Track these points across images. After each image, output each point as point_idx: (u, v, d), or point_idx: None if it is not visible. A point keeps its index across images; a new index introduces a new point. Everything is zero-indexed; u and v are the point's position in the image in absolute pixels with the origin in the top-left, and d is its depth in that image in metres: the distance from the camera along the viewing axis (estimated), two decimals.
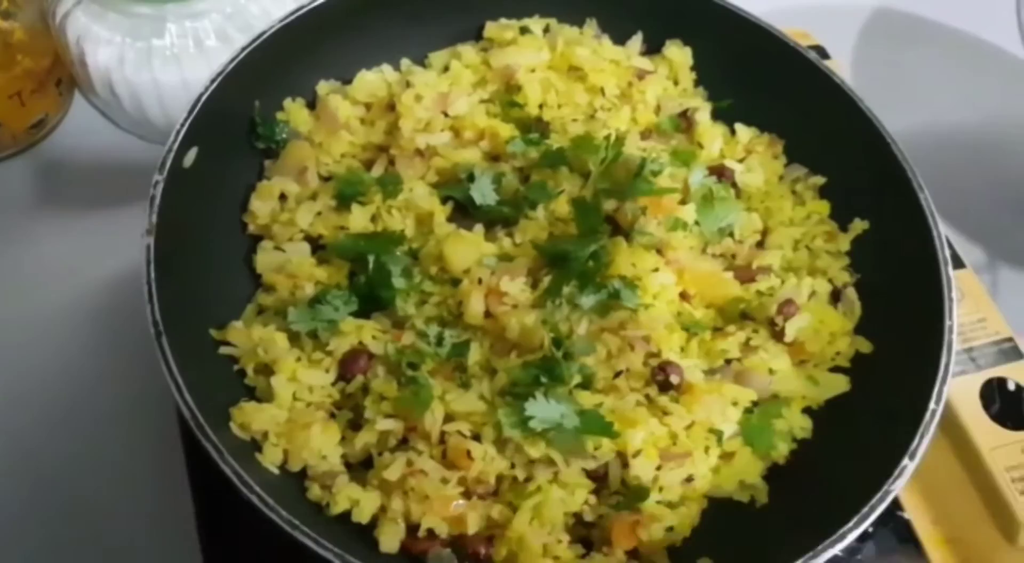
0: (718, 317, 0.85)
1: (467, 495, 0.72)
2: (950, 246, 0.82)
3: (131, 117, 1.08)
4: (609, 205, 0.85)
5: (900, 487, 0.69)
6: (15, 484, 0.89)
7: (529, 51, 0.94)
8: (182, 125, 0.78)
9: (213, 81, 0.81)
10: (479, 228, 0.84)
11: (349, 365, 0.77)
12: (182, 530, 0.80)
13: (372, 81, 0.93)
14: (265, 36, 0.84)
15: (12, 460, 0.90)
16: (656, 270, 0.82)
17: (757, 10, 0.95)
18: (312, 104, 0.92)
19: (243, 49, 0.83)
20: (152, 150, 1.10)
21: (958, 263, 0.85)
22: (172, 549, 0.83)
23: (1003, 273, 1.12)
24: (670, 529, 0.74)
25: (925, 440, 0.72)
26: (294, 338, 0.78)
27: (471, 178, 0.86)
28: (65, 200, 1.08)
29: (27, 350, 0.96)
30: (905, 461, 0.70)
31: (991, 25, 1.34)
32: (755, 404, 0.80)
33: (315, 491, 0.73)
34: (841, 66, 0.97)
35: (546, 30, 0.98)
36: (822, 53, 1.12)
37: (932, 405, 0.73)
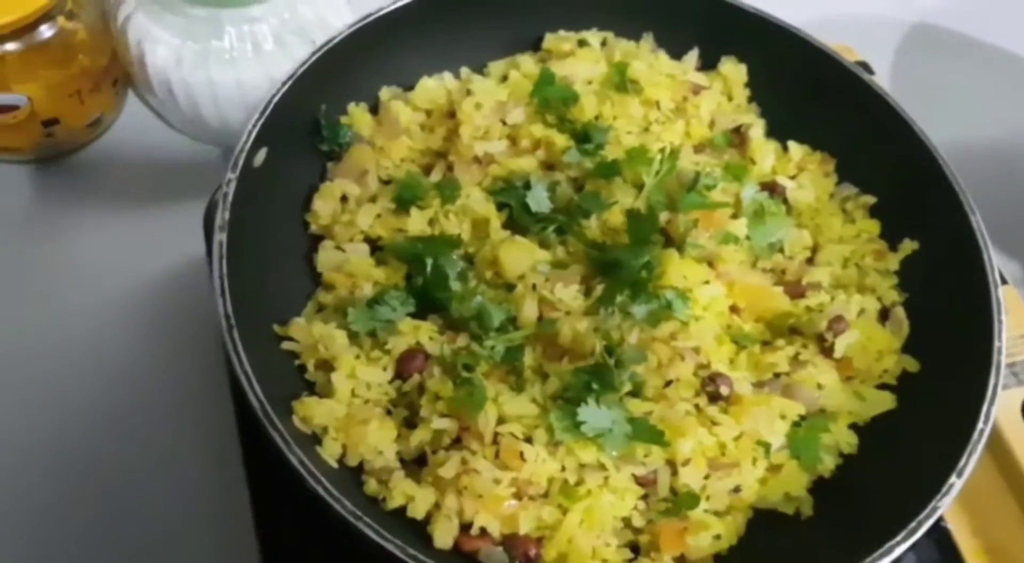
0: (767, 331, 0.86)
1: (519, 496, 0.73)
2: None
3: (186, 117, 1.10)
4: (662, 217, 0.87)
5: (948, 504, 0.70)
6: (64, 482, 0.91)
7: (586, 63, 0.96)
8: (254, 125, 0.80)
9: (284, 84, 0.83)
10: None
11: (406, 364, 0.78)
12: (238, 525, 0.82)
13: (433, 88, 0.95)
14: (333, 43, 0.86)
15: (61, 457, 0.92)
16: (707, 282, 0.83)
17: (796, 24, 0.96)
18: (375, 109, 0.95)
19: (312, 54, 0.85)
20: (204, 150, 1.14)
21: (1000, 280, 0.86)
22: (229, 543, 0.85)
23: None
24: (717, 537, 0.75)
25: (973, 459, 0.73)
26: (353, 336, 0.79)
27: (527, 186, 0.88)
28: (119, 198, 1.10)
29: (77, 346, 0.98)
30: (953, 479, 0.71)
31: None
32: (802, 418, 0.81)
33: (372, 485, 0.74)
34: (879, 79, 0.99)
35: (603, 43, 0.99)
36: (867, 68, 1.13)
37: (980, 425, 0.74)
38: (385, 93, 0.95)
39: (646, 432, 0.75)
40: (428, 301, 0.82)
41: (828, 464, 0.80)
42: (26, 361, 0.97)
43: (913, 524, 0.69)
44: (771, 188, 0.92)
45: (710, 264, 0.85)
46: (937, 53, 1.38)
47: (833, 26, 1.09)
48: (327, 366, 0.78)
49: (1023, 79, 1.36)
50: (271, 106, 0.81)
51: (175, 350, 0.98)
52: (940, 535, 0.85)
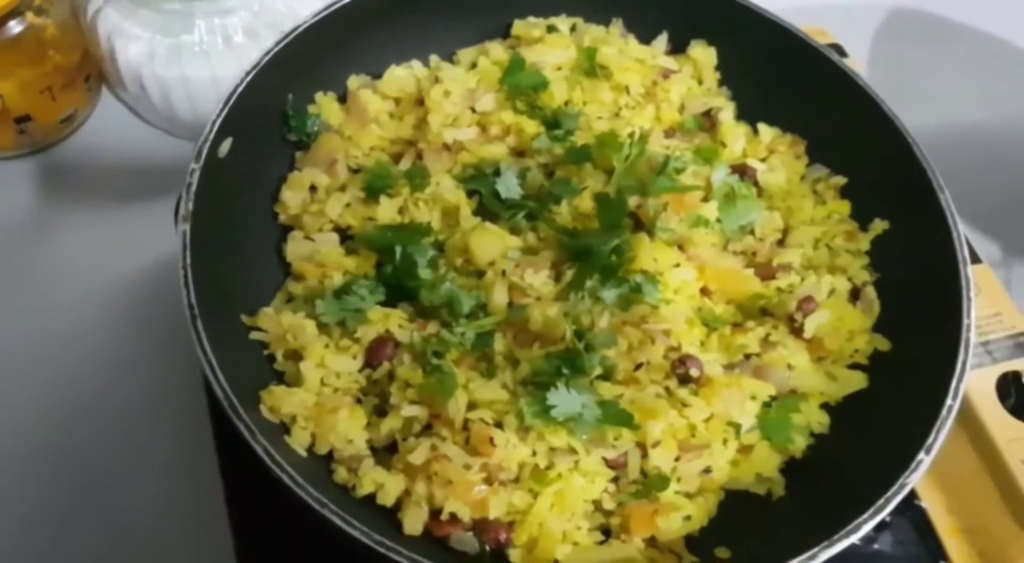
0: (738, 313, 0.86)
1: (489, 481, 0.73)
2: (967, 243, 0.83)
3: (159, 112, 1.10)
4: (632, 201, 0.87)
5: (916, 480, 0.71)
6: (39, 475, 0.91)
7: (556, 49, 0.95)
8: (218, 116, 0.80)
9: (248, 74, 0.83)
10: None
11: (376, 352, 0.78)
12: (212, 514, 0.82)
13: (402, 76, 0.95)
14: (299, 31, 0.86)
15: (37, 451, 0.92)
16: (677, 266, 0.84)
17: (774, 8, 0.96)
18: (343, 98, 0.94)
19: (277, 43, 0.85)
20: (178, 145, 1.13)
21: (974, 259, 0.86)
22: (203, 532, 0.85)
23: (1018, 268, 1.13)
24: (688, 518, 0.76)
25: (941, 435, 0.73)
26: (323, 325, 0.79)
27: (497, 173, 0.88)
28: (93, 194, 1.10)
29: (53, 342, 0.98)
30: (921, 455, 0.71)
31: (1006, 24, 1.36)
32: (773, 399, 0.81)
33: (341, 474, 0.74)
34: (857, 64, 0.98)
35: (573, 29, 0.99)
36: (840, 51, 1.13)
37: (949, 401, 0.74)
38: (353, 81, 0.95)
39: (616, 415, 0.75)
40: (398, 289, 0.82)
41: (799, 444, 0.80)
42: (1, 357, 0.97)
43: (881, 501, 0.69)
44: (742, 171, 0.92)
45: (680, 247, 0.85)
46: (914, 38, 1.38)
47: (809, 11, 1.09)
48: (296, 356, 0.78)
49: (1001, 62, 1.36)
50: (235, 95, 0.81)
51: (151, 345, 0.98)
52: (916, 514, 0.86)
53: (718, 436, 0.78)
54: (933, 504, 0.87)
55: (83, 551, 0.88)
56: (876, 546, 0.84)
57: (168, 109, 1.08)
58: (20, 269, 1.04)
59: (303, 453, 0.74)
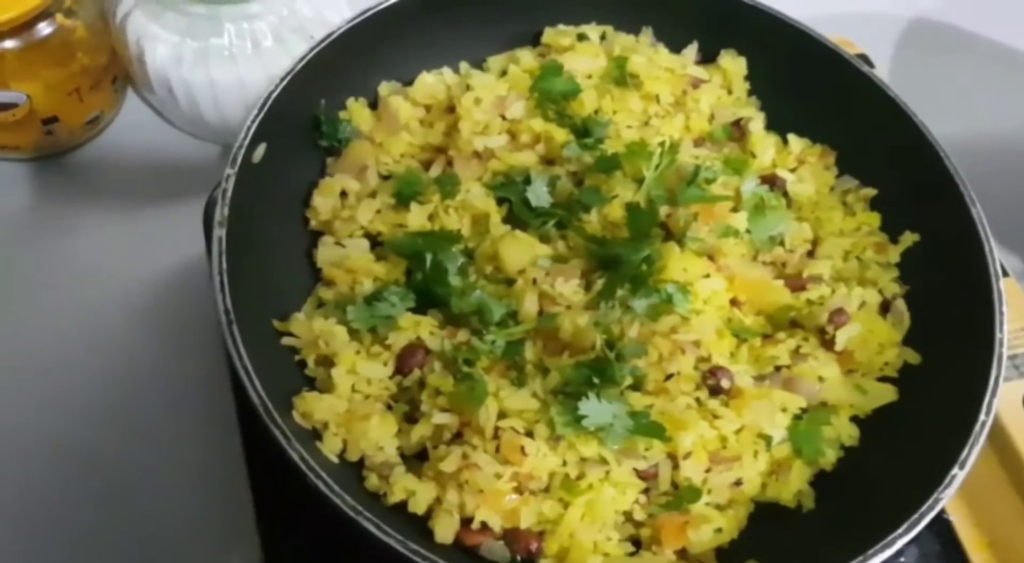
0: (768, 324, 0.86)
1: (519, 490, 0.73)
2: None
3: (186, 115, 1.10)
4: (662, 211, 0.87)
5: (950, 496, 0.71)
6: (64, 480, 0.91)
7: (586, 57, 0.95)
8: (253, 121, 0.80)
9: (283, 79, 0.83)
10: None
11: (406, 359, 0.79)
12: (239, 517, 0.82)
13: (432, 83, 0.95)
14: (332, 38, 0.86)
15: (62, 455, 0.92)
16: (707, 276, 0.83)
17: (798, 18, 0.96)
18: (374, 104, 0.95)
19: (311, 49, 0.85)
20: (204, 148, 1.14)
21: (1001, 272, 0.87)
22: (231, 538, 0.85)
23: None
24: (718, 531, 0.75)
25: (975, 451, 0.73)
26: (353, 331, 0.79)
27: (527, 181, 0.88)
28: (118, 195, 1.10)
29: (77, 344, 0.98)
30: (955, 470, 0.71)
31: None
32: (804, 411, 0.81)
33: (373, 481, 0.74)
34: (880, 74, 0.99)
35: (603, 37, 1.00)
36: (867, 61, 1.13)
37: (982, 417, 0.74)
38: (384, 88, 0.95)
39: (647, 426, 0.74)
40: (428, 296, 0.82)
41: (830, 457, 0.80)
42: (26, 360, 0.97)
43: (915, 516, 0.69)
44: (771, 181, 0.92)
45: (710, 258, 0.85)
46: (936, 48, 1.38)
47: (834, 21, 1.09)
48: (327, 362, 0.79)
49: (1022, 73, 1.36)
50: (269, 102, 0.81)
51: (175, 348, 0.98)
52: (942, 527, 0.85)
53: (749, 448, 0.78)
54: (959, 518, 0.86)
55: (107, 556, 0.88)
56: (902, 559, 0.84)
57: (195, 112, 1.08)
58: (43, 270, 1.04)
59: (335, 460, 0.74)
